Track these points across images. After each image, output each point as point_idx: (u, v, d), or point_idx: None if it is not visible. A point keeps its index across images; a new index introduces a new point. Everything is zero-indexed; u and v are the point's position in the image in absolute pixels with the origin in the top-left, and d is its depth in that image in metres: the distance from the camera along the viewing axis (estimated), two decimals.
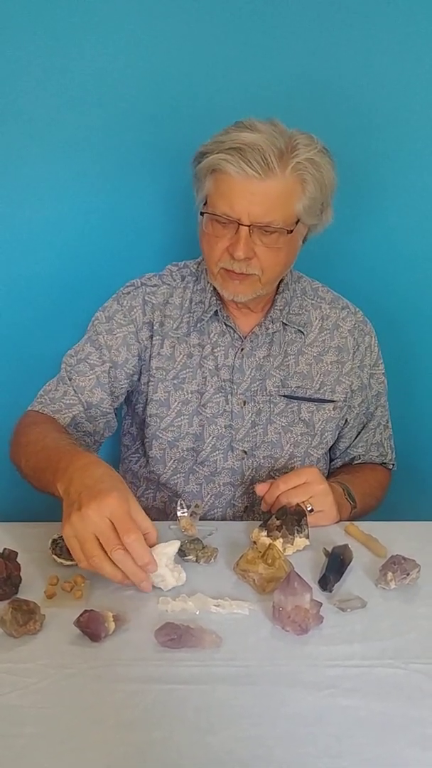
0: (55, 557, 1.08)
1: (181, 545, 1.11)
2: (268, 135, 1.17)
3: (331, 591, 1.05)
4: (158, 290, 1.38)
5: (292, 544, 1.14)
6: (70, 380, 1.34)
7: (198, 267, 1.40)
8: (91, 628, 0.92)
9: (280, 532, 1.14)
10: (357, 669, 0.89)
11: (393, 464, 1.51)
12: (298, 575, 0.95)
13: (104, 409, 1.35)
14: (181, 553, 1.11)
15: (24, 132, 1.56)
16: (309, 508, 1.15)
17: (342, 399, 1.39)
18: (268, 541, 1.12)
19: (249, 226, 1.19)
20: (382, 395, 1.47)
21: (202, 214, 1.24)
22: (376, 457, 1.49)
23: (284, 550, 1.12)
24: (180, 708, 0.82)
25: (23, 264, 1.65)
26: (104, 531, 0.94)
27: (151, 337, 1.36)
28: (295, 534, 1.14)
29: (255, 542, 1.14)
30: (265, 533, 1.14)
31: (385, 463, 1.50)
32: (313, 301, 1.40)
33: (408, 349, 1.74)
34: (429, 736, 0.79)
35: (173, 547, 1.06)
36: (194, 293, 1.38)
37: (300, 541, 1.15)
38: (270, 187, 1.18)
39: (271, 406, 1.36)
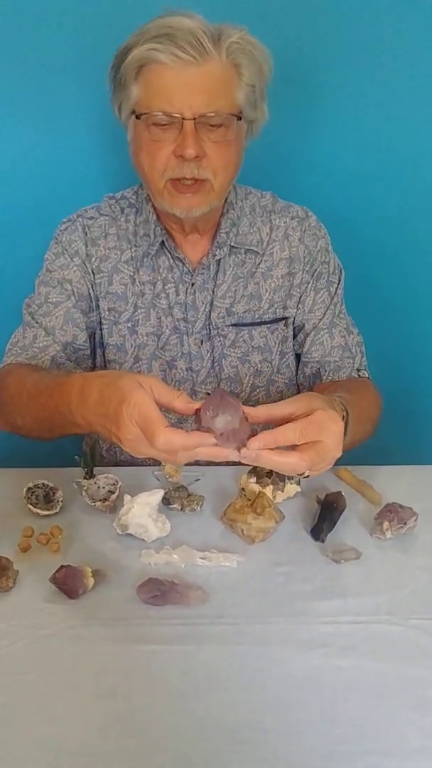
0: (31, 507, 1.02)
1: (166, 493, 1.05)
2: (197, 20, 1.04)
3: (323, 541, 0.99)
4: (96, 222, 1.25)
5: (282, 491, 1.08)
6: (37, 323, 1.23)
7: (137, 197, 1.26)
8: (68, 584, 0.87)
9: (270, 478, 1.08)
10: (351, 626, 0.84)
11: (367, 371, 1.31)
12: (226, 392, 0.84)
13: (81, 346, 1.26)
14: (165, 501, 1.05)
15: None
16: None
17: (294, 314, 1.28)
18: (257, 488, 1.06)
19: (194, 119, 1.05)
20: (339, 303, 1.30)
21: (138, 117, 1.09)
22: (348, 361, 1.28)
23: (274, 497, 1.07)
24: (163, 672, 0.77)
25: None
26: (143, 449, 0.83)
27: (94, 272, 1.25)
28: (286, 480, 1.08)
29: (243, 489, 1.08)
30: (254, 480, 1.08)
31: (359, 371, 1.30)
32: (262, 218, 1.26)
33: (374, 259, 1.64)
34: (428, 698, 0.75)
35: (157, 496, 1.00)
36: (137, 226, 1.24)
37: (291, 488, 1.09)
38: (208, 72, 1.05)
39: (222, 339, 1.26)
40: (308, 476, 0.87)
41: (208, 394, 1.26)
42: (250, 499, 1.03)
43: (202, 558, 0.94)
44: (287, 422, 0.84)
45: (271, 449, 0.82)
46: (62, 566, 0.88)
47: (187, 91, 1.05)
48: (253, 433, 0.82)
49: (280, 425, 0.83)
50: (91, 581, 0.88)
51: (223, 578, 0.91)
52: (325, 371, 1.29)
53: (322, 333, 1.28)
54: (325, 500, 1.05)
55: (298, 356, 1.33)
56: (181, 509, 1.05)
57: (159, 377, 1.01)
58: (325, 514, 1.02)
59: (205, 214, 1.15)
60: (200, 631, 0.82)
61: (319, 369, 1.29)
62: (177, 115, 1.06)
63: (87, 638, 0.81)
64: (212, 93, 1.06)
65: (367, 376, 1.31)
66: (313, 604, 0.87)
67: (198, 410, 0.82)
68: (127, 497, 1.00)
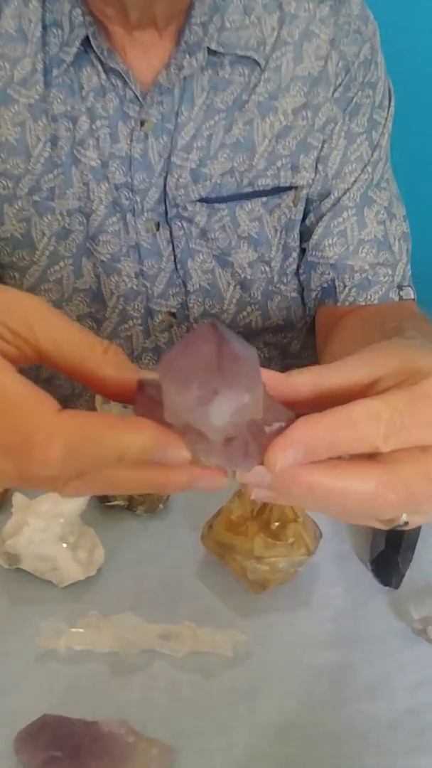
0: None
1: None
2: None
3: (398, 587, 0.52)
4: None
5: None
6: None
7: None
8: None
9: None
10: None
11: (412, 288, 0.80)
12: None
13: None
14: (101, 496, 0.56)
15: None
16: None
17: (310, 181, 0.74)
18: None
19: None
20: (382, 161, 0.77)
21: None
22: (385, 270, 0.76)
23: None
24: None
25: None
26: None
27: None
28: None
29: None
30: None
31: (401, 288, 0.78)
32: (266, 1, 0.70)
33: None
34: None
35: (78, 500, 0.51)
36: (47, 7, 0.68)
37: None
38: None
39: (185, 224, 0.73)
40: (406, 524, 0.36)
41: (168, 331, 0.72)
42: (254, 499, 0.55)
43: (163, 639, 0.46)
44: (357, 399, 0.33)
45: (320, 463, 0.31)
46: None
47: None
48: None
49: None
50: None
51: (207, 689, 0.44)
52: (344, 285, 0.75)
53: (346, 214, 0.74)
54: None
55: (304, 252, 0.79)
56: (128, 508, 0.57)
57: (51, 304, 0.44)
58: (396, 533, 0.55)
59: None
60: None
61: (334, 279, 0.75)
62: None
63: None
64: None
65: (412, 297, 0.77)
66: (398, 764, 0.41)
67: (140, 384, 0.31)
68: (18, 498, 0.52)
